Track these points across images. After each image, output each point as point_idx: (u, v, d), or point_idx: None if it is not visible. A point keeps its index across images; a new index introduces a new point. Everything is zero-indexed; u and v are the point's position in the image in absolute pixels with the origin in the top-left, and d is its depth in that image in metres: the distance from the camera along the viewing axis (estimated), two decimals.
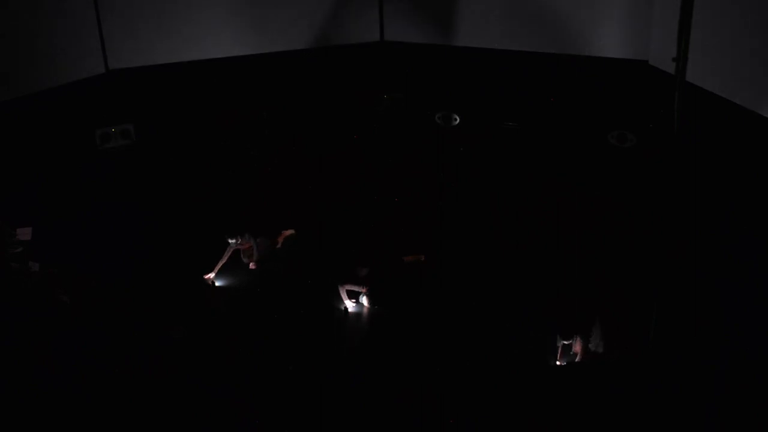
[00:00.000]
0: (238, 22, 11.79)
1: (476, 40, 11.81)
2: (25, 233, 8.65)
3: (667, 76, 8.07)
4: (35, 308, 7.51)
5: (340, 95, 11.81)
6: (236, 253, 8.38)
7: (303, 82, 11.90)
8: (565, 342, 6.80)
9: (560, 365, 6.83)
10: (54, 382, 6.58)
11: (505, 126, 10.96)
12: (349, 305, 7.72)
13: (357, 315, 7.68)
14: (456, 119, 11.23)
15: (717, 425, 5.86)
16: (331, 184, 10.02)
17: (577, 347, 6.78)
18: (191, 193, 9.89)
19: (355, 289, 7.76)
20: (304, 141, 11.16)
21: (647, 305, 5.99)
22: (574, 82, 11.06)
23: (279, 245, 8.69)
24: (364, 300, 7.71)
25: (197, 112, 11.35)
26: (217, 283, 8.20)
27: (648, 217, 8.47)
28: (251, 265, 8.41)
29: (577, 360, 6.78)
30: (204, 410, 6.33)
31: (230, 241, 8.19)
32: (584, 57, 11.04)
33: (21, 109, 10.25)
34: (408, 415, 6.23)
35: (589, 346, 6.81)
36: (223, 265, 8.24)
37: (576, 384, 6.59)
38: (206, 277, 8.20)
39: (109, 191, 9.83)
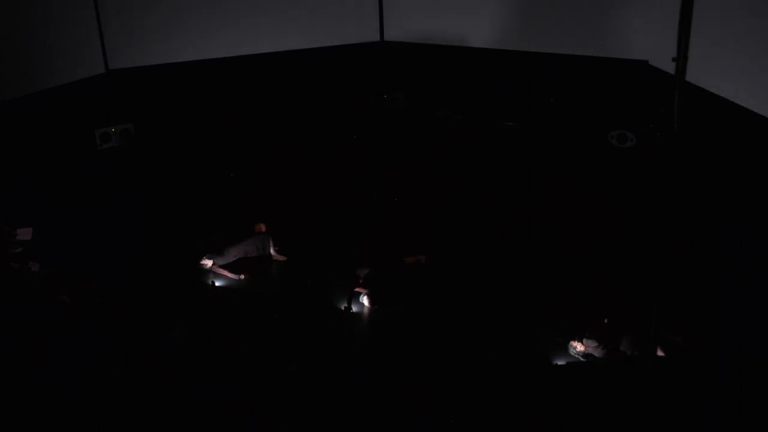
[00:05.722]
0: (237, 21, 11.80)
1: (476, 40, 11.82)
2: (25, 233, 8.65)
3: (667, 76, 8.07)
4: (35, 308, 7.51)
5: (340, 95, 11.80)
6: None
7: (303, 82, 11.90)
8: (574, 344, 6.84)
9: (560, 365, 6.84)
10: (54, 382, 6.57)
11: (505, 126, 10.97)
12: (351, 306, 7.72)
13: (357, 315, 7.68)
14: (455, 119, 11.23)
15: (717, 425, 5.86)
16: (331, 184, 10.01)
17: (582, 347, 6.80)
18: (191, 193, 9.89)
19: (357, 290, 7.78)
20: (304, 141, 11.16)
21: (647, 305, 5.99)
22: (574, 82, 11.06)
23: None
24: (365, 300, 7.71)
25: (197, 112, 11.35)
26: (217, 283, 8.20)
27: (648, 217, 8.47)
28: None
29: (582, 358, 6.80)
30: (204, 410, 6.33)
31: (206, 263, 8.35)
32: (584, 57, 11.04)
33: (21, 109, 10.24)
34: (408, 415, 6.22)
35: (590, 347, 6.82)
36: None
37: (576, 384, 6.58)
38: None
39: (109, 191, 9.83)
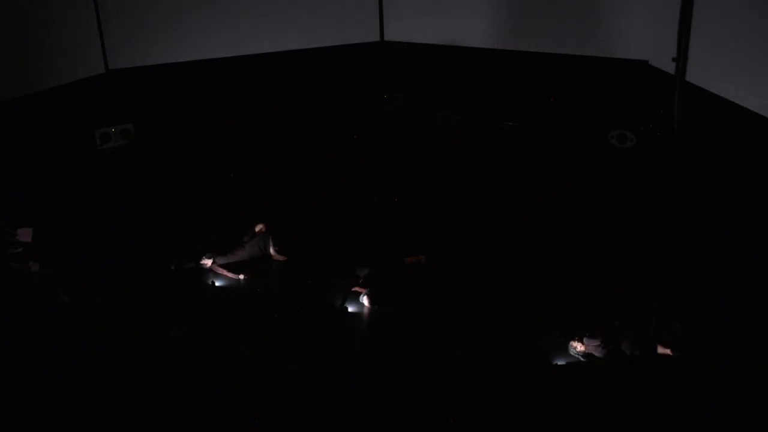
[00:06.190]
0: (237, 21, 11.80)
1: (476, 40, 11.81)
2: (25, 233, 8.64)
3: (667, 76, 8.06)
4: (35, 308, 7.50)
5: (340, 95, 11.80)
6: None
7: (303, 82, 11.89)
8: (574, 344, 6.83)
9: (560, 365, 6.84)
10: (54, 382, 6.57)
11: (505, 126, 10.97)
12: (350, 306, 7.72)
13: (357, 315, 7.68)
14: (455, 119, 11.23)
15: (717, 425, 5.86)
16: (331, 184, 10.01)
17: (582, 347, 6.80)
18: (191, 193, 9.89)
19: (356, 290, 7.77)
20: (304, 141, 11.15)
21: (647, 305, 5.99)
22: (574, 82, 11.05)
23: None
24: (365, 300, 7.71)
25: (197, 112, 11.35)
26: (217, 283, 8.20)
27: (648, 217, 8.47)
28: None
29: (581, 358, 6.80)
30: (204, 410, 6.32)
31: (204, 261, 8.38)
32: (584, 57, 11.04)
33: (21, 109, 10.24)
34: (408, 415, 6.22)
35: (590, 346, 6.82)
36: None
37: (576, 384, 6.58)
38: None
39: (109, 191, 9.83)
